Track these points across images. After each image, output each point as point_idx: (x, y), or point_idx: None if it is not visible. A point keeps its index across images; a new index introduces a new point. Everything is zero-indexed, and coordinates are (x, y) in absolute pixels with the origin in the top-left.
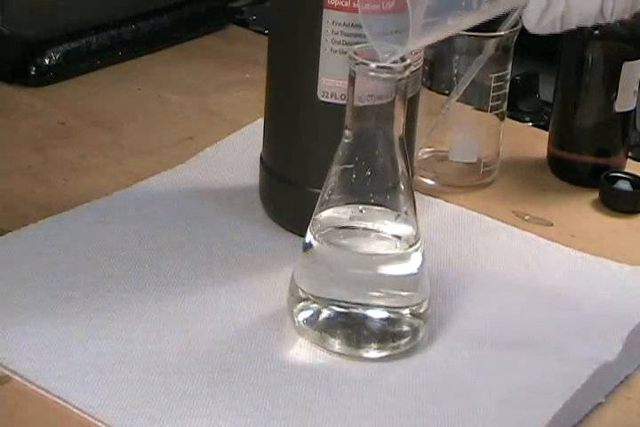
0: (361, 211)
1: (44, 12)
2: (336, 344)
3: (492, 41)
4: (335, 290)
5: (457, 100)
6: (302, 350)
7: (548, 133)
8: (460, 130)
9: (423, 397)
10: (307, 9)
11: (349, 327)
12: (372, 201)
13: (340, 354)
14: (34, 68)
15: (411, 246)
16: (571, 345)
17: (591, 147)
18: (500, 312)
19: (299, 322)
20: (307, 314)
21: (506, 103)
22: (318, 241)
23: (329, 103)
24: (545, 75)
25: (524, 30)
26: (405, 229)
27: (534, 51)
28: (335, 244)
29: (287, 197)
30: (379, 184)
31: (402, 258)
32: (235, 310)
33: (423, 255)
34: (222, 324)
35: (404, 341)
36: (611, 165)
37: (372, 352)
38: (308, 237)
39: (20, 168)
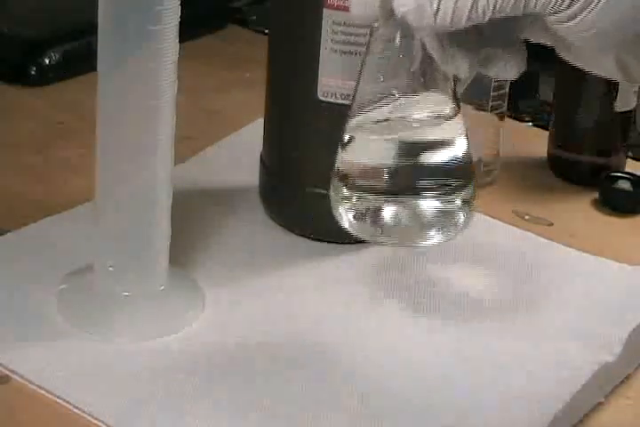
0: (397, 98)
1: (44, 12)
2: (389, 238)
3: None
4: (381, 184)
5: None
6: (302, 350)
7: (548, 133)
8: None
9: (423, 398)
10: (307, 9)
11: (401, 221)
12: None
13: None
14: (34, 68)
15: (454, 131)
16: (571, 345)
17: (591, 147)
18: (499, 312)
19: (349, 220)
20: (354, 213)
21: (506, 103)
22: (358, 136)
23: (329, 103)
24: (545, 75)
25: None
26: (446, 112)
27: (534, 51)
28: (376, 136)
29: (287, 197)
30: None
31: (446, 144)
32: (235, 310)
33: (468, 140)
34: (222, 324)
35: (454, 227)
36: (611, 165)
37: (427, 241)
38: (346, 135)
39: (20, 168)
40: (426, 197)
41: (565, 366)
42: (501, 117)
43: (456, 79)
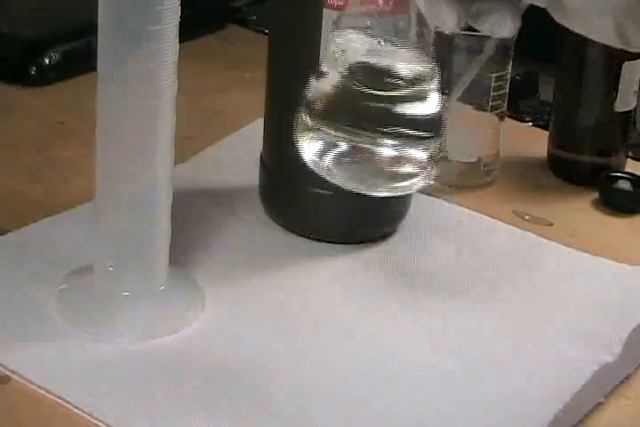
0: (379, 43)
1: (44, 12)
2: (346, 180)
3: (492, 41)
4: (347, 125)
5: (457, 100)
6: (302, 350)
7: (548, 133)
8: (460, 130)
9: (423, 398)
10: (307, 9)
11: (359, 164)
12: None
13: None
14: (34, 68)
15: (427, 85)
16: (571, 346)
17: (591, 147)
18: (499, 312)
19: (310, 155)
20: (316, 147)
21: (506, 103)
22: (334, 71)
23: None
24: (545, 75)
25: (523, 30)
26: (422, 67)
27: (534, 51)
28: (351, 79)
29: (287, 197)
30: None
31: (418, 98)
32: (235, 310)
33: (440, 96)
34: (222, 324)
35: (413, 181)
36: (611, 165)
37: (381, 191)
38: (322, 66)
39: (21, 168)
40: (387, 144)
41: (565, 366)
42: (501, 117)
43: (439, 38)
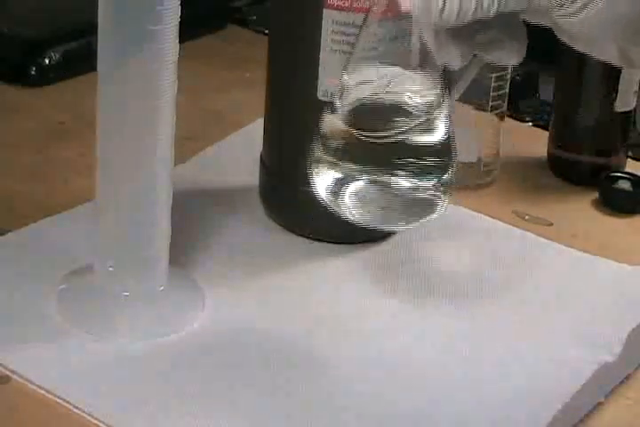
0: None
1: (44, 12)
2: (362, 215)
3: None
4: (361, 159)
5: (457, 100)
6: (302, 350)
7: (548, 133)
8: (460, 130)
9: (423, 398)
10: (307, 9)
11: (376, 197)
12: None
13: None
14: (34, 68)
15: (434, 114)
16: (571, 345)
17: (591, 147)
18: (499, 312)
19: (324, 189)
20: (331, 182)
21: (506, 103)
22: (344, 110)
23: (329, 103)
24: (545, 75)
25: None
26: (429, 95)
27: (534, 51)
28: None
29: (287, 197)
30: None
31: (426, 127)
32: (235, 310)
33: (449, 122)
34: (222, 324)
35: (429, 211)
36: (611, 165)
37: (398, 225)
38: (337, 106)
39: (21, 168)
40: (401, 176)
41: (565, 366)
42: (501, 117)
43: (447, 68)
